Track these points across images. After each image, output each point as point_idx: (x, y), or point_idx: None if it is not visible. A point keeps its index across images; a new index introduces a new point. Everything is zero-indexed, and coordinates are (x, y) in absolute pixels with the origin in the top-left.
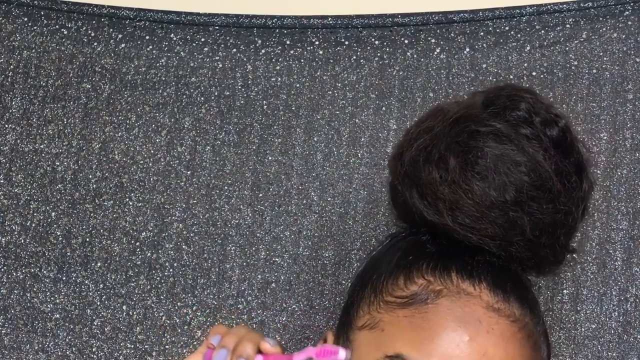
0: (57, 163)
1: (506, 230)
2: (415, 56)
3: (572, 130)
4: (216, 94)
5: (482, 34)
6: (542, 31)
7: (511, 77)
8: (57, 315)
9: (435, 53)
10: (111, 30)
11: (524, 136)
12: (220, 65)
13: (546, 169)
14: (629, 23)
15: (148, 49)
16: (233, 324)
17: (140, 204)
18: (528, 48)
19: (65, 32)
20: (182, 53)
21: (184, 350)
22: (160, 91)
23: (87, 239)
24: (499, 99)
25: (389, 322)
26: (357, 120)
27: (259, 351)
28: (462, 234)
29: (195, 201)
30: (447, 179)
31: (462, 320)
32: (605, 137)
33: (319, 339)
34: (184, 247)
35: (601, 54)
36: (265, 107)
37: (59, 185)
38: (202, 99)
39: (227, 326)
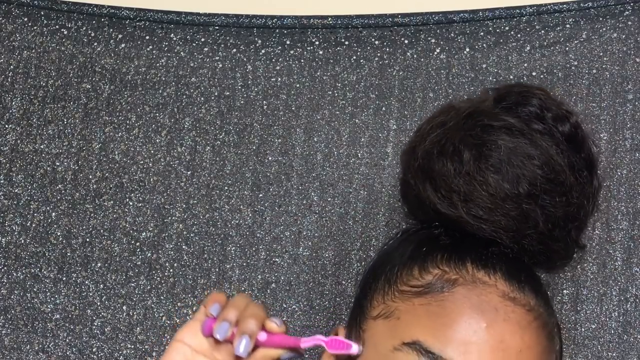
0: (57, 163)
1: (519, 223)
2: (415, 56)
3: (583, 126)
4: (216, 94)
5: (482, 34)
6: (542, 31)
7: (511, 77)
8: (58, 316)
9: (435, 53)
10: (111, 30)
11: (536, 131)
12: (220, 65)
13: (559, 163)
14: (629, 23)
15: (148, 49)
16: None
17: (140, 204)
18: (528, 48)
19: (65, 32)
20: (182, 53)
21: None
22: (160, 91)
23: (87, 239)
24: (510, 96)
25: (405, 310)
26: (357, 120)
27: (263, 327)
28: (476, 226)
29: (195, 201)
30: (462, 171)
31: (478, 307)
32: (605, 137)
33: (330, 333)
34: (184, 247)
35: (601, 54)
36: (265, 107)
37: (59, 186)
38: (202, 99)
39: (226, 294)
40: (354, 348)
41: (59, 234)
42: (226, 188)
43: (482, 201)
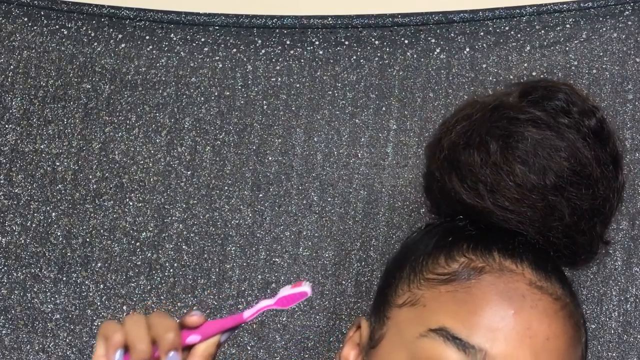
0: (57, 163)
1: (545, 215)
2: (415, 56)
3: (608, 122)
4: (216, 94)
5: (482, 34)
6: (542, 31)
7: (511, 77)
8: (58, 316)
9: (435, 53)
10: (111, 30)
11: (562, 124)
12: (220, 65)
13: (586, 155)
14: (629, 23)
15: (148, 49)
16: None
17: (140, 204)
18: (528, 48)
19: (65, 32)
20: (182, 53)
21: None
22: (160, 91)
23: (88, 239)
24: (536, 90)
25: (431, 297)
26: (357, 120)
27: (183, 327)
28: (502, 216)
29: (195, 201)
30: (488, 161)
31: (506, 294)
32: None
33: (352, 325)
34: (184, 247)
35: (601, 54)
36: (265, 107)
37: (59, 186)
38: (202, 99)
39: (116, 322)
40: (305, 286)
41: (59, 234)
42: (226, 188)
43: (509, 192)
